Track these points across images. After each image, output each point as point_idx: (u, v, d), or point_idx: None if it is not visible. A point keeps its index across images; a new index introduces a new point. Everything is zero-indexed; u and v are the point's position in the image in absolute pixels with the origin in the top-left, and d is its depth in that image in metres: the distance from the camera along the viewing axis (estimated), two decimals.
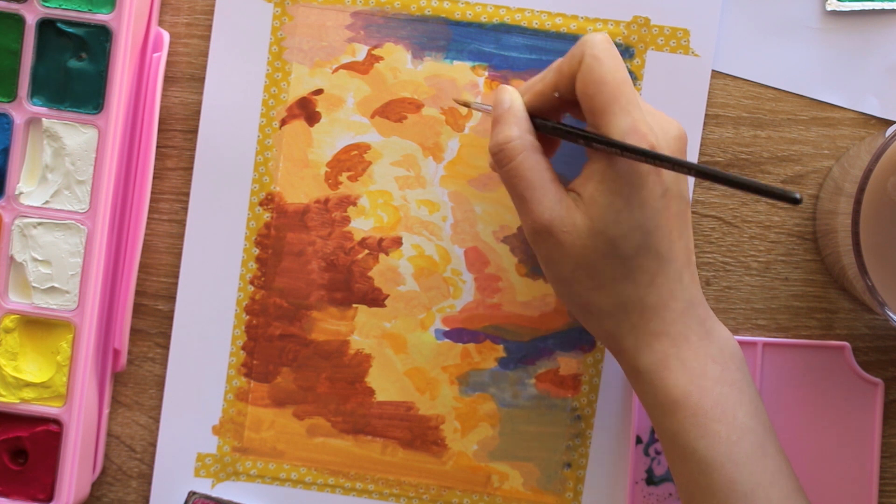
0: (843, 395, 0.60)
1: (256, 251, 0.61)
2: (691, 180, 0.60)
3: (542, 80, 0.54)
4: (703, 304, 0.53)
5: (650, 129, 0.51)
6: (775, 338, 0.60)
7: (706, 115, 0.60)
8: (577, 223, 0.51)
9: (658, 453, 0.60)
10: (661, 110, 0.59)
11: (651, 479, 0.60)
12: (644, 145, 0.50)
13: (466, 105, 0.59)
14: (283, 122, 0.61)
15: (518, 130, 0.52)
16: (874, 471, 0.60)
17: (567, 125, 0.53)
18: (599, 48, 0.51)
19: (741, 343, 0.59)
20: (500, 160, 0.53)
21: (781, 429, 0.59)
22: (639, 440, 0.60)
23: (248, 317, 0.61)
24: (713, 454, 0.51)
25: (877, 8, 0.59)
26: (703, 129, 0.60)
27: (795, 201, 0.45)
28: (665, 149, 0.51)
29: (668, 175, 0.51)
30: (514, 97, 0.54)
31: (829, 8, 0.59)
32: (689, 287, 0.52)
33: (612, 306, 0.52)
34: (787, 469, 0.52)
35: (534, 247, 0.53)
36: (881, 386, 0.60)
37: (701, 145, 0.60)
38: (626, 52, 0.60)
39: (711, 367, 0.52)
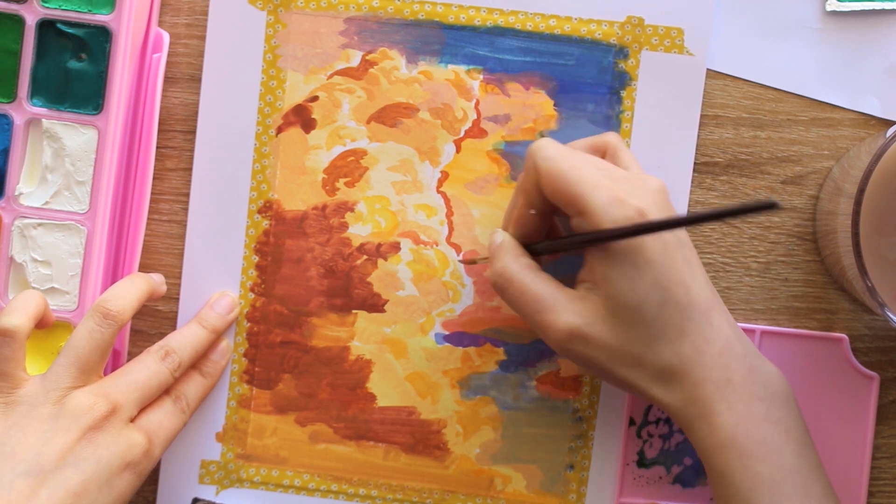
0: (839, 386, 0.60)
1: (256, 259, 0.61)
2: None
3: (515, 207, 0.55)
4: (742, 341, 0.53)
5: (629, 193, 0.51)
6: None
7: (706, 115, 0.60)
8: (597, 309, 0.52)
9: (651, 436, 0.60)
10: (656, 110, 0.59)
11: (642, 462, 0.60)
12: (630, 210, 0.50)
13: (473, 262, 0.60)
14: (280, 130, 0.60)
15: (511, 257, 0.54)
16: (865, 463, 0.60)
17: (552, 240, 0.55)
18: (545, 149, 0.52)
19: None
20: (501, 288, 0.54)
21: None
22: (631, 422, 0.60)
23: (249, 324, 0.61)
24: (756, 495, 0.51)
25: (877, 8, 0.58)
26: (704, 129, 0.60)
27: (774, 206, 0.45)
28: (650, 205, 0.51)
29: None
30: (503, 235, 0.55)
31: (829, 8, 0.59)
32: (722, 327, 0.52)
33: (654, 374, 0.52)
34: None
35: (567, 357, 0.54)
36: (877, 380, 0.60)
37: (701, 146, 0.60)
38: (621, 52, 0.59)
39: (757, 407, 0.52)
